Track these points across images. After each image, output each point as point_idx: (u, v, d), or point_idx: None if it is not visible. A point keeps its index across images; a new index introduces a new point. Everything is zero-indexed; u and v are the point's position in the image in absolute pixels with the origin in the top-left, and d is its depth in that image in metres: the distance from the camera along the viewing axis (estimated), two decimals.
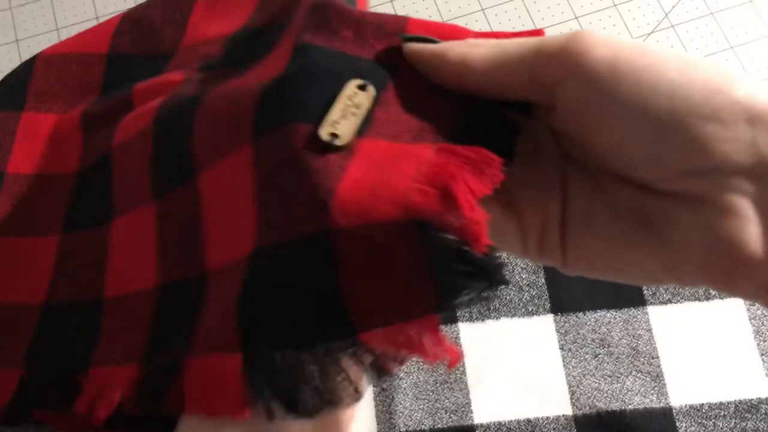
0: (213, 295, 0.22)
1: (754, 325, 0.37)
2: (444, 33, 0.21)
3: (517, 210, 0.21)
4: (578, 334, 0.37)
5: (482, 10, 1.10)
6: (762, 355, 0.36)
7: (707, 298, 0.38)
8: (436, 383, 0.36)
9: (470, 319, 0.38)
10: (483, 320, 0.38)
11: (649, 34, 1.08)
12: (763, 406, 0.35)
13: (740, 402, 0.35)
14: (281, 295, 0.19)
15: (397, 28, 0.22)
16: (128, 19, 0.38)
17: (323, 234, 0.18)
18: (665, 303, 0.38)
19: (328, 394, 0.19)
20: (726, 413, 0.35)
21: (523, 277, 0.39)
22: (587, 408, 0.36)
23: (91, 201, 0.31)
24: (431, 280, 0.17)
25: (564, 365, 0.37)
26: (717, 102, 0.16)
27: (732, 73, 0.17)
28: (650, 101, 0.16)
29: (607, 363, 0.37)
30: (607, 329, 0.37)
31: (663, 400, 0.36)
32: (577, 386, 0.36)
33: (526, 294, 0.38)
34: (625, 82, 0.17)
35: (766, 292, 0.16)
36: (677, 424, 0.35)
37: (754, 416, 0.35)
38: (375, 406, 0.36)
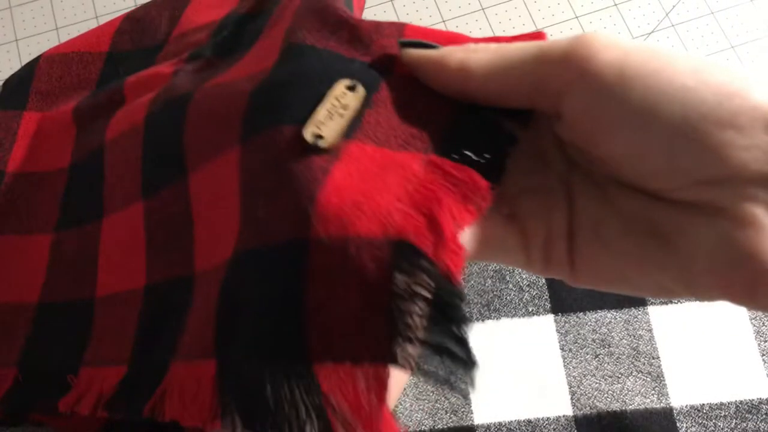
0: (199, 297, 0.22)
1: (754, 326, 0.37)
2: (443, 40, 0.20)
3: (520, 221, 0.20)
4: (579, 334, 0.37)
5: (482, 9, 1.10)
6: (763, 355, 0.36)
7: None
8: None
9: (470, 320, 0.38)
10: (483, 320, 0.38)
11: (649, 34, 1.08)
12: (764, 407, 0.35)
13: (741, 402, 0.35)
14: (250, 305, 0.18)
15: (395, 32, 0.21)
16: (130, 18, 0.38)
17: (300, 243, 0.17)
18: (666, 303, 0.38)
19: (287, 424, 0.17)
20: (727, 414, 0.35)
21: (524, 277, 0.39)
22: (588, 408, 0.35)
23: (82, 198, 0.31)
24: (386, 321, 0.16)
25: (564, 365, 0.37)
26: (733, 107, 0.15)
27: (746, 75, 0.16)
28: (662, 107, 0.16)
29: (608, 363, 0.36)
30: (608, 329, 0.37)
31: (663, 401, 0.36)
32: (578, 386, 0.36)
33: (527, 294, 0.38)
34: (634, 87, 0.16)
35: None
36: (678, 424, 0.35)
37: (754, 417, 0.35)
38: None
